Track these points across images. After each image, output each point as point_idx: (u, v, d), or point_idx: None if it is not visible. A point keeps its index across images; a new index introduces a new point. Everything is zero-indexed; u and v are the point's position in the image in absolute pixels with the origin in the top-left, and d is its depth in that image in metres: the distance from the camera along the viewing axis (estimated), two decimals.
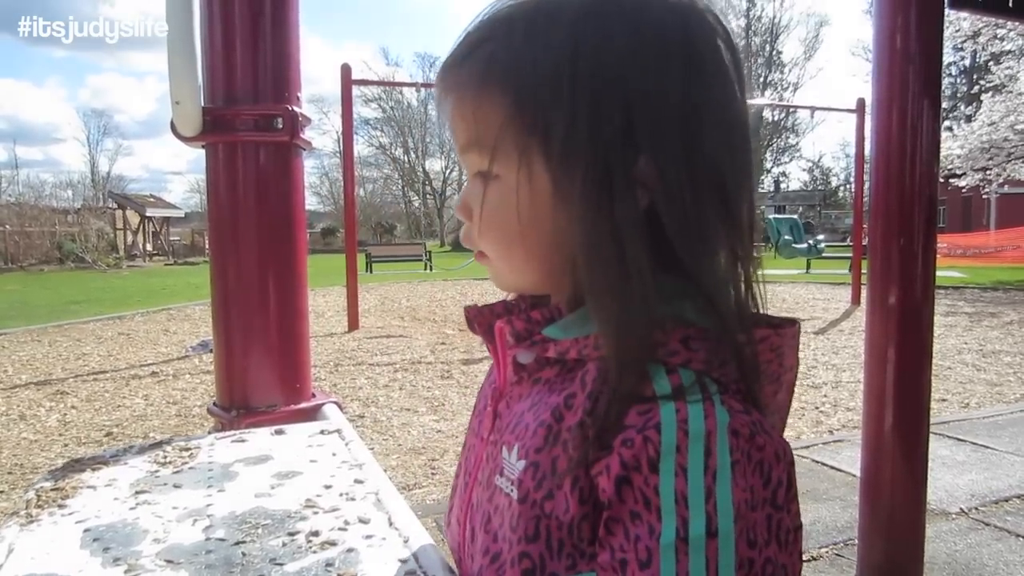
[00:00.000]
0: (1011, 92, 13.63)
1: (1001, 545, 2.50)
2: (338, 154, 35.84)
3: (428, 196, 43.77)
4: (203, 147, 1.37)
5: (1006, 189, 19.62)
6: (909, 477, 1.96)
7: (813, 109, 14.84)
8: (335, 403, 1.40)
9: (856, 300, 9.42)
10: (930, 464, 2.01)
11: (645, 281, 0.43)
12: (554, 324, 0.49)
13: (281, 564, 0.63)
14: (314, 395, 1.46)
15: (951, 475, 3.16)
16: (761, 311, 0.48)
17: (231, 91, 1.33)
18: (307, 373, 1.46)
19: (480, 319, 0.56)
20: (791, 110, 37.20)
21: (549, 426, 0.47)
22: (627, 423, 0.41)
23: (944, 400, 4.59)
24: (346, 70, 7.83)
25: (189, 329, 7.98)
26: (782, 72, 42.28)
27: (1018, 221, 18.59)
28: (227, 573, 0.61)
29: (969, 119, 15.14)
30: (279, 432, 1.04)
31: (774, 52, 41.39)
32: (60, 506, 0.75)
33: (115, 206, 28.49)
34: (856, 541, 2.17)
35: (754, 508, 0.40)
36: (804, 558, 2.40)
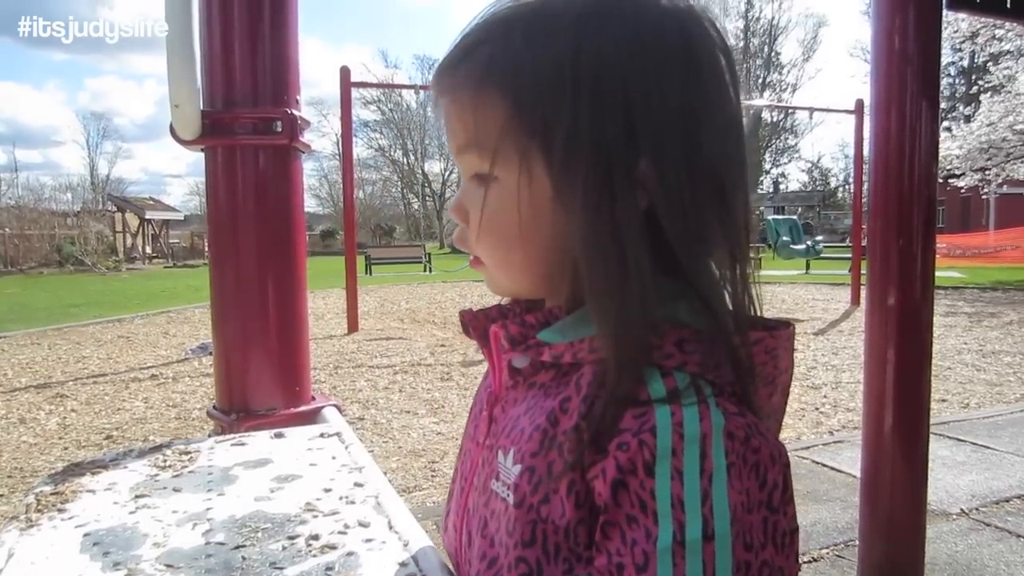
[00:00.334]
0: (1009, 92, 13.63)
1: (1002, 545, 2.50)
2: (337, 156, 35.84)
3: (427, 198, 43.70)
4: (202, 150, 1.37)
5: (1005, 189, 19.63)
6: (909, 478, 1.95)
7: (812, 110, 14.80)
8: (335, 406, 1.39)
9: (855, 301, 9.42)
10: (930, 465, 2.00)
11: (645, 282, 0.43)
12: (549, 328, 0.49)
13: (281, 568, 0.63)
14: (314, 398, 1.46)
15: (951, 475, 3.15)
16: (758, 313, 0.48)
17: (230, 94, 1.33)
18: (307, 376, 1.46)
19: (475, 323, 0.56)
20: (790, 111, 37.16)
21: (545, 430, 0.47)
22: (622, 426, 0.41)
23: (944, 400, 4.59)
24: (345, 72, 7.83)
25: (189, 332, 7.98)
26: (781, 73, 42.36)
27: (1017, 221, 18.57)
28: None
29: (968, 119, 15.15)
30: (279, 435, 1.04)
31: (773, 53, 41.44)
32: (60, 510, 0.75)
33: (114, 209, 28.48)
34: (857, 542, 2.17)
35: (750, 511, 0.40)
36: (805, 560, 2.41)
